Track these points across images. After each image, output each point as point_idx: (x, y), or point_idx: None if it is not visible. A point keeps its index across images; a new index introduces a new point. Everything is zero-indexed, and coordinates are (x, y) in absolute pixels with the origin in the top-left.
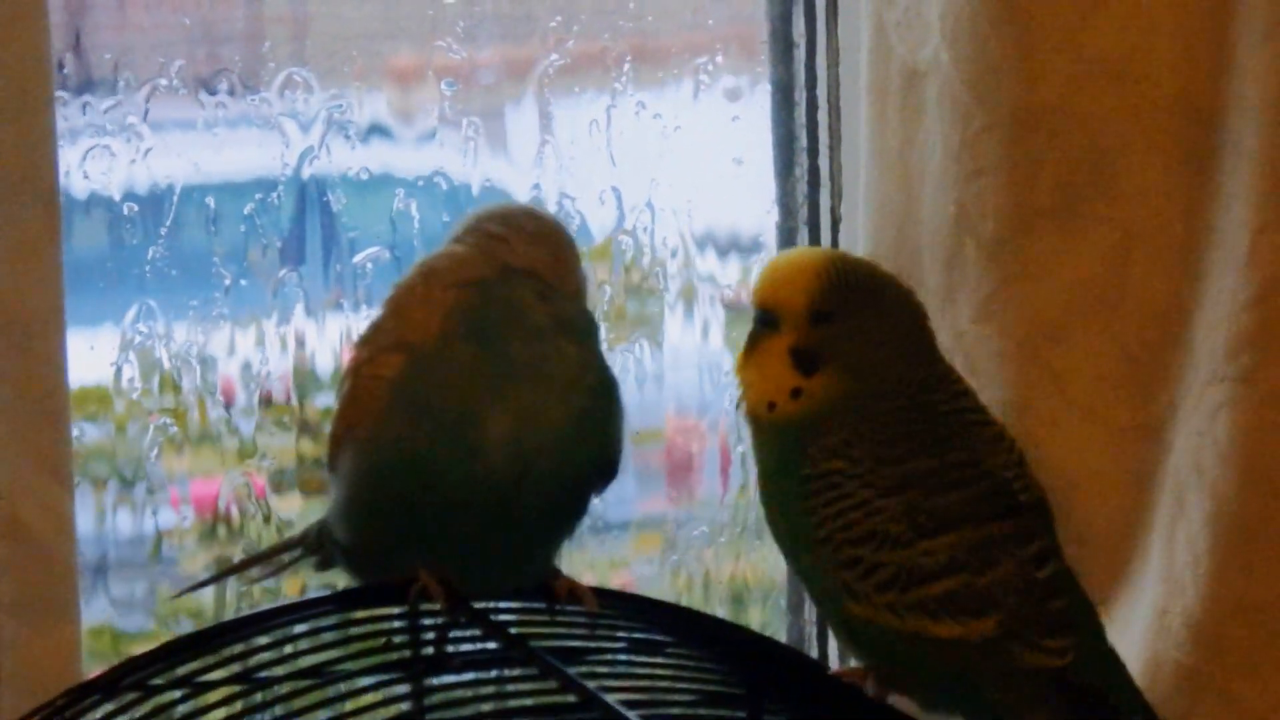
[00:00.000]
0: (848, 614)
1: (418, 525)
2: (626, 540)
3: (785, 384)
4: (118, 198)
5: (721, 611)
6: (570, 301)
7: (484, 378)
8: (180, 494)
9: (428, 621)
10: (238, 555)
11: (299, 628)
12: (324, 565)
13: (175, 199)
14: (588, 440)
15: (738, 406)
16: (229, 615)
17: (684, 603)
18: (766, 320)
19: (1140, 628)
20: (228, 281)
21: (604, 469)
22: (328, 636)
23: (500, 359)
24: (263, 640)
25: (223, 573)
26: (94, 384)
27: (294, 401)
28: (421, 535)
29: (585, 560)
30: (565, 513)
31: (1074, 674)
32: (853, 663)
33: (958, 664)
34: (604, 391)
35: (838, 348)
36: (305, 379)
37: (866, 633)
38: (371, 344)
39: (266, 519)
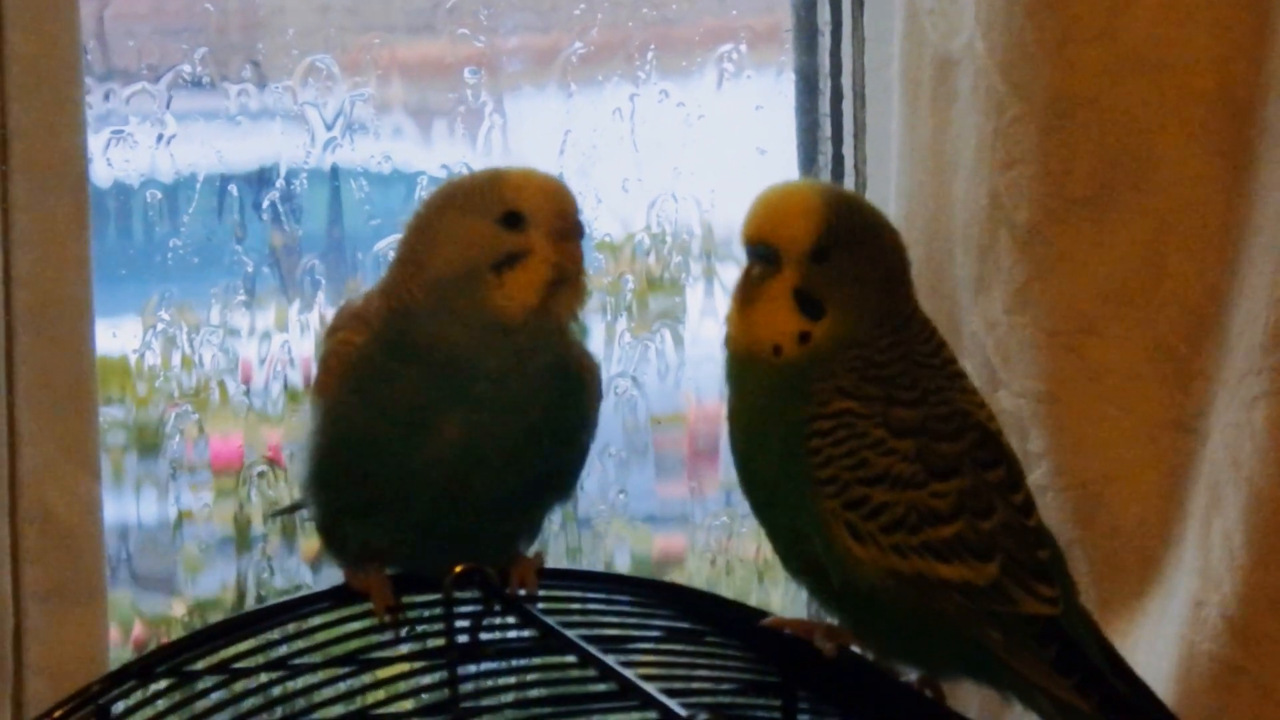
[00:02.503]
0: (845, 555)
1: (366, 497)
2: (651, 523)
3: (791, 328)
4: (140, 185)
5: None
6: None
7: (437, 377)
8: (201, 479)
9: (463, 610)
10: (258, 539)
11: (332, 615)
12: None
13: (198, 186)
14: (541, 456)
15: (726, 344)
16: (251, 605)
17: (708, 584)
18: (767, 257)
19: (1175, 620)
20: (250, 268)
21: (559, 481)
22: (361, 624)
23: (454, 359)
24: (296, 627)
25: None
26: (116, 370)
27: None
28: (370, 508)
29: (610, 543)
30: (519, 508)
31: (1065, 623)
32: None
33: (958, 608)
34: (568, 400)
35: (837, 287)
36: None
37: (859, 577)
38: (348, 312)
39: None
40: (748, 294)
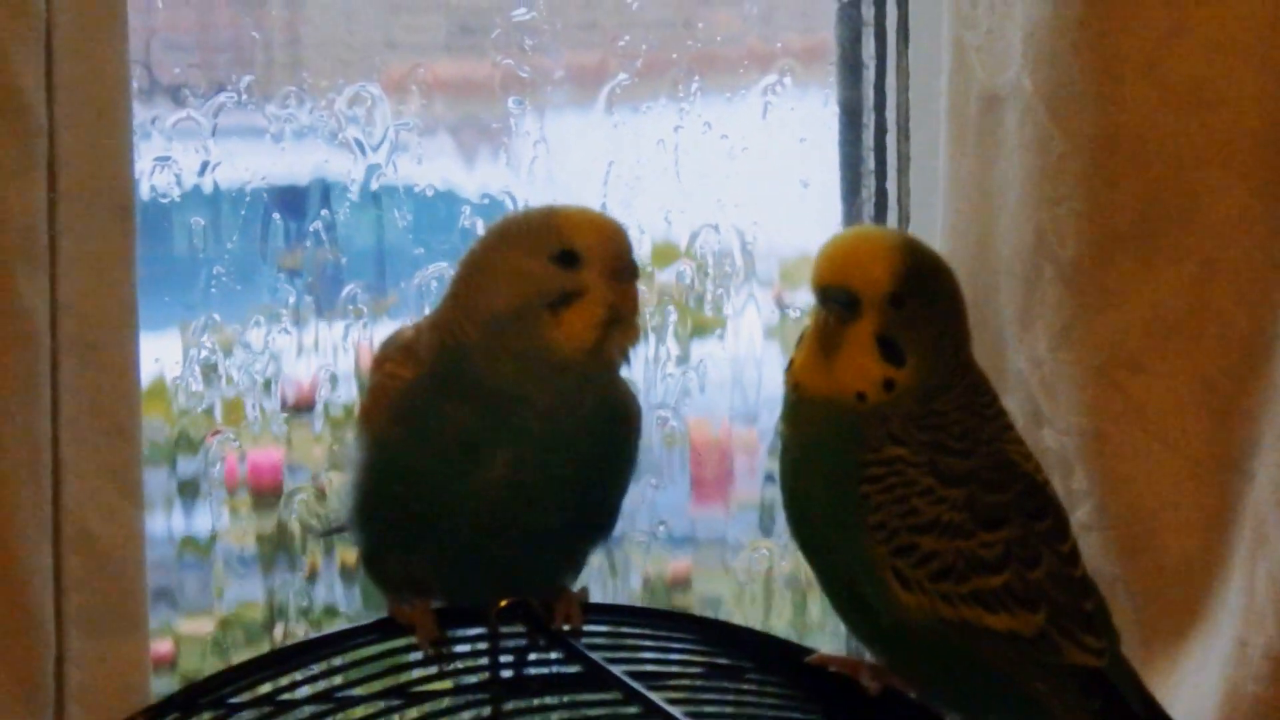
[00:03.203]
0: (892, 601)
1: (411, 529)
2: (688, 550)
3: (876, 375)
4: (184, 210)
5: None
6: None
7: (488, 413)
8: (241, 504)
9: (507, 643)
10: (299, 567)
11: (377, 648)
12: None
13: (242, 211)
14: (587, 493)
15: (796, 389)
16: (289, 627)
17: (744, 605)
18: (847, 303)
19: (1219, 659)
20: (292, 295)
21: (602, 518)
22: (405, 657)
23: (505, 395)
24: (341, 660)
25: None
26: (157, 393)
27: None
28: (415, 540)
29: (648, 571)
30: (563, 544)
31: (1109, 675)
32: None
33: (1003, 657)
34: (615, 438)
35: (914, 333)
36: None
37: (906, 622)
38: (396, 344)
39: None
40: (827, 340)
